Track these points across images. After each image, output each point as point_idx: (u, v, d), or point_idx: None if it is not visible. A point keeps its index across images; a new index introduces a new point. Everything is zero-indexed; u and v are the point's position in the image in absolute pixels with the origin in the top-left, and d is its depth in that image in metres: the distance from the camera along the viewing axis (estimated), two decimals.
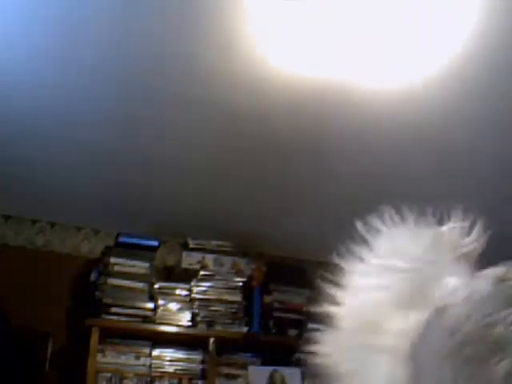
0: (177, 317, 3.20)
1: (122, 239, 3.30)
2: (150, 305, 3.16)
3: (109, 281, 3.14)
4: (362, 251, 0.69)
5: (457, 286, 0.59)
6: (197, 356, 3.19)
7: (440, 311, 0.57)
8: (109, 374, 3.04)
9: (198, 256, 3.37)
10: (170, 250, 3.55)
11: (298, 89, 2.41)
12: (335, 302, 0.68)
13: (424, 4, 2.02)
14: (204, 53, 2.26)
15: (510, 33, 2.14)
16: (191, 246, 3.38)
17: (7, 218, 3.41)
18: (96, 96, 2.50)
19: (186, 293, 3.26)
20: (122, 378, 3.05)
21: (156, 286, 3.23)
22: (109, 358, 3.06)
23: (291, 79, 2.36)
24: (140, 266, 3.24)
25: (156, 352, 3.15)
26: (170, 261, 3.53)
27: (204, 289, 3.26)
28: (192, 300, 3.24)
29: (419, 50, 2.21)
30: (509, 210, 3.21)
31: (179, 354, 3.17)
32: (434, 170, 2.93)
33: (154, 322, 3.15)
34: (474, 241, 0.66)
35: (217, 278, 3.28)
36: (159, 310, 3.18)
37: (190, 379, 3.14)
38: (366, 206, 3.22)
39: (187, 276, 3.30)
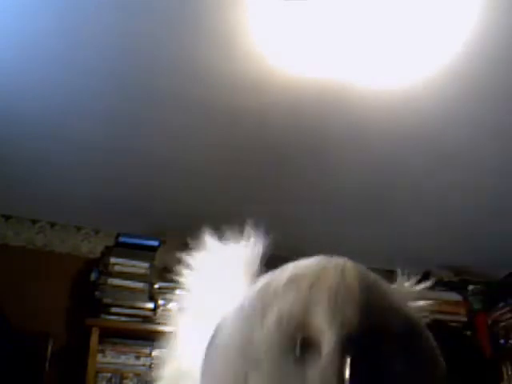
0: None
1: (122, 239, 3.30)
2: (150, 305, 3.17)
3: (109, 281, 3.15)
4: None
5: (237, 299, 0.62)
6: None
7: (218, 329, 0.61)
8: (109, 374, 3.04)
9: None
10: (170, 250, 3.55)
11: (298, 89, 2.41)
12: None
13: (424, 4, 2.02)
14: (204, 53, 2.26)
15: (510, 33, 2.14)
16: (191, 246, 3.37)
17: (7, 217, 3.41)
18: (96, 96, 2.50)
19: None
20: (122, 378, 3.06)
21: (156, 286, 3.23)
22: (109, 358, 3.07)
23: (291, 79, 2.36)
24: (140, 266, 3.24)
25: (156, 352, 3.15)
26: (170, 261, 3.53)
27: None
28: None
29: (419, 49, 2.21)
30: (508, 208, 3.21)
31: None
32: (433, 170, 2.93)
33: (153, 322, 3.15)
34: (254, 254, 0.70)
35: None
36: (159, 310, 3.18)
37: None
38: (367, 206, 3.23)
39: None
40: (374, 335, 0.53)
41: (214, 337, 0.61)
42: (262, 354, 0.53)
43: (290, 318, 0.53)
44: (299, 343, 0.52)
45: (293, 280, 0.58)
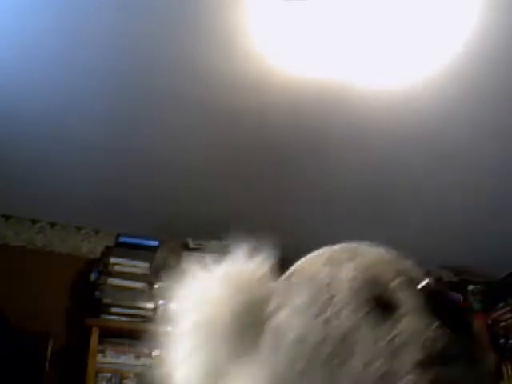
0: None
1: (122, 239, 3.30)
2: (150, 305, 3.16)
3: (109, 281, 3.14)
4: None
5: (277, 306, 0.62)
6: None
7: (277, 335, 0.60)
8: (109, 374, 3.03)
9: (198, 256, 3.37)
10: (170, 250, 3.55)
11: (298, 89, 2.41)
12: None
13: (424, 4, 2.02)
14: (204, 53, 2.26)
15: (510, 33, 2.14)
16: (191, 246, 3.37)
17: (7, 217, 3.41)
18: (96, 96, 2.50)
19: None
20: (122, 378, 3.05)
21: (156, 286, 3.23)
22: (109, 358, 3.06)
23: (291, 79, 2.36)
24: (140, 266, 3.24)
25: (156, 352, 3.15)
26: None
27: None
28: None
29: (419, 49, 2.21)
30: (508, 208, 3.21)
31: None
32: (433, 170, 2.93)
33: (153, 322, 3.15)
34: (262, 264, 0.68)
35: None
36: (159, 310, 3.18)
37: None
38: (367, 206, 3.22)
39: None
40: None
41: (275, 353, 0.59)
42: (345, 325, 0.55)
43: (360, 285, 0.57)
44: (374, 302, 0.56)
45: (331, 259, 0.62)
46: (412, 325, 0.55)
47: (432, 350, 0.54)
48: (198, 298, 0.67)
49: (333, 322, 0.56)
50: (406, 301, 0.57)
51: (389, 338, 0.54)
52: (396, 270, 0.60)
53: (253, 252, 0.69)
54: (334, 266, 0.61)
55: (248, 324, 0.63)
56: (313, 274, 0.62)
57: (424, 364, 0.53)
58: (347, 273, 0.59)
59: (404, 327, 0.55)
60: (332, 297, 0.58)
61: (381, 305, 0.57)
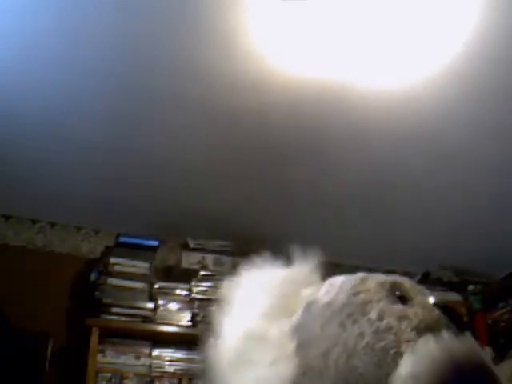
0: (177, 317, 3.20)
1: (122, 239, 3.30)
2: (150, 305, 3.16)
3: (109, 281, 3.14)
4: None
5: (314, 290, 0.81)
6: (197, 356, 3.19)
7: (311, 303, 0.79)
8: (109, 374, 3.03)
9: (198, 256, 3.37)
10: (170, 250, 3.55)
11: (298, 89, 2.41)
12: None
13: (424, 4, 2.02)
14: (204, 53, 2.26)
15: (510, 33, 2.14)
16: (191, 246, 3.37)
17: (7, 217, 3.41)
18: (96, 96, 2.50)
19: (186, 293, 3.26)
20: (122, 378, 3.05)
21: (156, 286, 3.23)
22: (109, 358, 3.06)
23: (291, 79, 2.36)
24: (140, 266, 3.23)
25: (156, 352, 3.15)
26: (170, 261, 3.53)
27: (204, 289, 3.26)
28: (192, 300, 3.24)
29: (419, 49, 2.21)
30: (508, 208, 3.21)
31: (179, 354, 3.17)
32: (433, 170, 2.93)
33: (154, 321, 3.15)
34: (311, 268, 0.88)
35: (217, 277, 3.28)
36: (159, 310, 3.18)
37: (190, 379, 3.14)
38: (367, 206, 3.22)
39: (187, 276, 3.30)
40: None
41: (308, 309, 0.79)
42: (369, 296, 0.75)
43: (384, 283, 0.77)
44: (395, 293, 0.76)
45: (365, 274, 0.82)
46: (419, 310, 0.74)
47: (427, 322, 0.73)
48: (263, 277, 0.88)
49: (360, 294, 0.75)
50: (419, 300, 0.76)
51: (400, 309, 0.73)
52: (411, 286, 0.80)
53: (305, 261, 0.89)
54: (367, 274, 0.80)
55: (290, 296, 0.82)
56: (347, 276, 0.81)
57: (420, 329, 0.72)
58: (378, 277, 0.79)
59: (414, 309, 0.74)
60: (364, 282, 0.77)
61: (399, 297, 0.76)
